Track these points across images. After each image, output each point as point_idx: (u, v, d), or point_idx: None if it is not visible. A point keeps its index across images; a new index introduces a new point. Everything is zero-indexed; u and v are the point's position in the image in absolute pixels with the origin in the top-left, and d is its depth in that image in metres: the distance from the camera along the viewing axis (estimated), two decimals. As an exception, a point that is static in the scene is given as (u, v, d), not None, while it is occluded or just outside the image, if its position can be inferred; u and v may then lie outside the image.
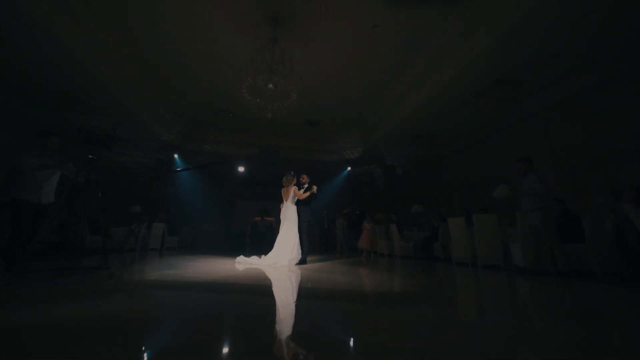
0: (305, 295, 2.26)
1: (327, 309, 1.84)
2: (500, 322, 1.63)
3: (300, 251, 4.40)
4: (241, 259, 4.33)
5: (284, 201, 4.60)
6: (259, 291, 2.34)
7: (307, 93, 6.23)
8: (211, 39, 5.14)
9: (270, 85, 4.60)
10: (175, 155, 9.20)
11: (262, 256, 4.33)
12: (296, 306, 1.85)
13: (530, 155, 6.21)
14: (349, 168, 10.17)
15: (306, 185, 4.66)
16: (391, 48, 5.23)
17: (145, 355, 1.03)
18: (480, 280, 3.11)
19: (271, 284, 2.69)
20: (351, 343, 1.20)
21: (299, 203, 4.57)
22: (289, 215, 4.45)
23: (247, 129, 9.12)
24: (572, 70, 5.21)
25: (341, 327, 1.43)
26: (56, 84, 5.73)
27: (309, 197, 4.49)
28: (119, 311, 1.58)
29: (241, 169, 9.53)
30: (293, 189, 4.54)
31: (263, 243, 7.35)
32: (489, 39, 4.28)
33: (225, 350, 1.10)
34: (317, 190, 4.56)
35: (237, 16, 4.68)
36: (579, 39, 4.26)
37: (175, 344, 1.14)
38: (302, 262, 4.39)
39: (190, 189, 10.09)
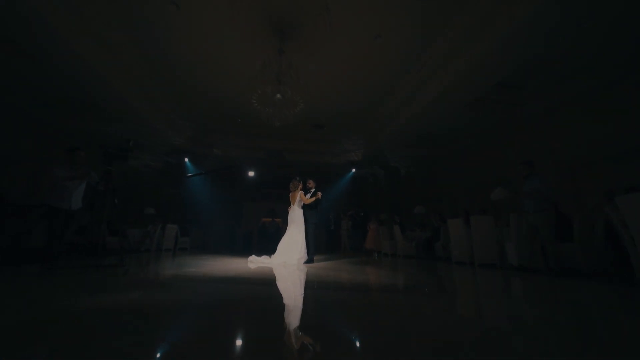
0: (313, 287, 2.57)
1: (331, 297, 2.15)
2: (486, 312, 1.92)
3: (306, 251, 4.74)
4: (253, 258, 4.69)
5: (291, 205, 4.93)
6: (273, 283, 2.68)
7: (311, 97, 6.56)
8: (222, 50, 5.50)
9: (278, 95, 4.94)
10: (186, 159, 9.61)
11: (272, 255, 4.68)
12: (305, 295, 2.17)
13: (532, 156, 6.45)
14: (353, 170, 10.47)
15: (313, 190, 4.99)
16: (393, 54, 5.51)
17: (196, 325, 1.36)
18: (474, 276, 3.39)
19: (284, 278, 3.02)
20: (347, 322, 1.52)
21: (306, 207, 4.90)
22: (296, 218, 4.79)
23: (253, 133, 9.49)
24: (573, 73, 5.40)
25: (342, 311, 1.74)
26: (79, 95, 6.18)
27: (314, 201, 4.82)
28: (169, 299, 1.94)
29: (251, 173, 9.90)
30: (299, 194, 4.87)
31: (272, 243, 7.69)
32: (489, 44, 4.46)
33: (252, 325, 1.43)
34: (321, 195, 4.88)
35: (246, 29, 5.02)
36: (579, 43, 4.44)
37: (216, 318, 1.47)
38: (309, 261, 4.73)
39: (200, 191, 10.51)
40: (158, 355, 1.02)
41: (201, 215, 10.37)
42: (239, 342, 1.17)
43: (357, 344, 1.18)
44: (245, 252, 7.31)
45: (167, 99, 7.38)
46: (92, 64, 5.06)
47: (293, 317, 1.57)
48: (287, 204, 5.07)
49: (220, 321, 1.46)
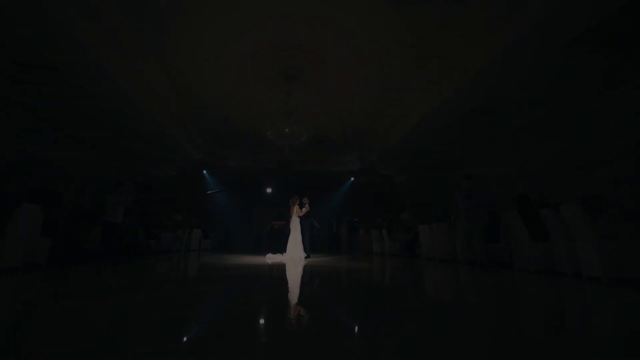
0: (315, 268, 4.29)
1: (321, 270, 3.86)
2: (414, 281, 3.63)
3: (304, 250, 6.56)
4: (270, 256, 6.47)
5: (291, 215, 6.73)
6: (293, 267, 4.41)
7: (315, 121, 8.31)
8: (242, 88, 7.24)
9: (287, 130, 6.68)
10: (205, 172, 11.43)
11: (284, 254, 6.45)
12: (311, 271, 3.88)
13: (505, 167, 8.01)
14: (352, 178, 12.18)
15: (306, 205, 6.82)
16: (379, 90, 7.20)
17: (267, 279, 3.10)
18: (423, 266, 5.06)
19: (298, 266, 4.75)
20: (325, 277, 3.23)
21: (302, 217, 6.71)
22: (294, 226, 6.69)
23: (264, 147, 11.25)
24: (532, 103, 6.91)
25: (330, 280, 3.44)
26: (121, 122, 7.97)
27: (307, 213, 6.77)
28: (241, 273, 3.71)
29: (269, 190, 11.71)
30: (295, 208, 6.71)
31: (283, 243, 9.44)
32: (464, 78, 5.84)
33: (277, 287, 3.16)
34: (309, 209, 6.91)
35: (262, 75, 6.72)
36: (546, 72, 5.76)
37: (273, 279, 3.20)
38: (307, 257, 6.56)
39: (217, 199, 12.33)
40: (255, 288, 2.76)
41: (218, 220, 12.19)
42: (283, 285, 2.91)
43: (330, 285, 2.90)
44: (257, 252, 9.07)
45: (193, 123, 9.19)
46: (135, 100, 6.70)
47: (305, 276, 3.31)
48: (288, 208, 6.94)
49: (274, 281, 3.20)
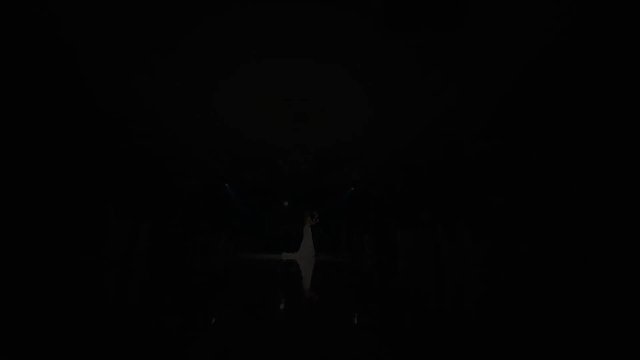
0: (319, 261, 6.98)
1: (320, 262, 6.54)
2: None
3: (314, 250, 9.26)
4: (284, 254, 9.20)
5: (304, 224, 9.47)
6: (304, 260, 7.11)
7: (317, 146, 10.99)
8: (258, 125, 9.97)
9: (295, 160, 9.40)
10: (227, 185, 14.25)
11: (296, 252, 9.19)
12: (315, 266, 6.58)
13: (471, 182, 10.56)
14: (352, 188, 14.84)
15: (316, 217, 9.53)
16: (363, 126, 9.86)
17: (289, 267, 5.83)
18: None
19: (304, 260, 7.44)
20: (323, 267, 5.95)
21: (313, 225, 9.44)
22: (307, 232, 9.39)
23: (273, 162, 14.00)
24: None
25: (331, 270, 6.14)
26: (160, 150, 10.81)
27: (316, 223, 9.42)
28: (270, 264, 6.45)
29: (286, 203, 14.53)
30: (308, 219, 9.43)
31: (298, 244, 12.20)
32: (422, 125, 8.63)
33: (290, 275, 5.89)
34: (319, 217, 9.56)
35: (273, 115, 9.42)
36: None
37: (292, 267, 5.93)
38: (316, 255, 9.22)
39: (236, 208, 15.17)
40: (279, 272, 5.52)
41: (237, 224, 15.04)
42: (297, 270, 5.65)
43: (330, 272, 5.63)
44: (271, 251, 11.84)
45: (217, 146, 11.99)
46: (174, 132, 9.54)
47: (313, 265, 6.05)
48: (299, 216, 9.65)
49: (292, 270, 5.93)
